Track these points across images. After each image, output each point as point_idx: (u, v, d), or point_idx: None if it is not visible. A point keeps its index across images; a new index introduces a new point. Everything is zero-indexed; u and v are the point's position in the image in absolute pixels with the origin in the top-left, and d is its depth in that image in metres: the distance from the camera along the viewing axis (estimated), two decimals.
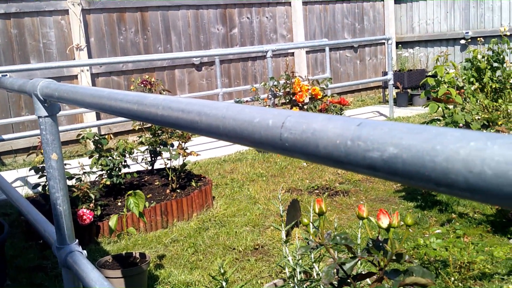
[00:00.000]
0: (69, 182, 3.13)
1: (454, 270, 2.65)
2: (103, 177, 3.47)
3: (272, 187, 4.14)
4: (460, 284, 2.63)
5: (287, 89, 5.56)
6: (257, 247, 2.95)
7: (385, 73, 8.05)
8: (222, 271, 1.39)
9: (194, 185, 3.62)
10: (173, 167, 3.64)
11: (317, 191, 4.18)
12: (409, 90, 8.19)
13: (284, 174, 4.56)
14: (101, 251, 2.99)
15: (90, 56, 6.08)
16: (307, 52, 8.25)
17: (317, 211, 1.15)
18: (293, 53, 8.09)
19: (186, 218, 3.43)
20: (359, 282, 1.36)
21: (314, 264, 1.67)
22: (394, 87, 7.88)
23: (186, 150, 3.51)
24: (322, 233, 1.16)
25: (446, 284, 2.62)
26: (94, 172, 3.39)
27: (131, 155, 3.51)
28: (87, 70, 6.06)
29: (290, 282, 1.67)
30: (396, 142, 0.51)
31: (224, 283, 1.41)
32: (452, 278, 2.64)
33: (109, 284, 1.32)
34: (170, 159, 3.53)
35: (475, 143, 0.44)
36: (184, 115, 0.85)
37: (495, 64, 5.36)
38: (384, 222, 1.12)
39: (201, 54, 6.08)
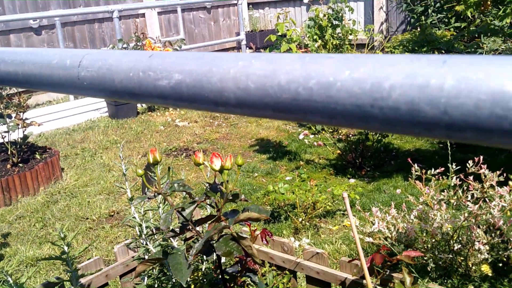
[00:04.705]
0: None
1: (301, 210, 2.90)
2: None
3: (127, 153, 4.04)
4: (307, 223, 2.89)
5: None
6: (112, 214, 2.88)
7: (238, 34, 8.23)
8: (62, 235, 1.34)
9: (39, 157, 3.36)
10: (13, 141, 3.32)
11: (175, 152, 4.18)
12: (262, 50, 8.50)
13: (140, 139, 4.46)
14: None
15: None
16: (159, 13, 8.01)
17: (151, 160, 1.16)
18: (144, 14, 7.79)
19: (32, 192, 3.19)
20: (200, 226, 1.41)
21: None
22: (247, 47, 8.10)
23: (26, 121, 3.22)
24: (158, 182, 1.17)
25: (295, 225, 2.86)
26: None
27: None
28: None
29: (140, 239, 1.67)
30: (181, 69, 0.53)
31: (66, 248, 1.35)
32: (300, 219, 2.88)
33: None
34: (8, 132, 3.21)
35: (242, 62, 0.48)
36: None
37: (335, 22, 5.76)
38: (217, 164, 1.17)
39: (39, 15, 5.54)
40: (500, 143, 0.33)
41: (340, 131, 4.46)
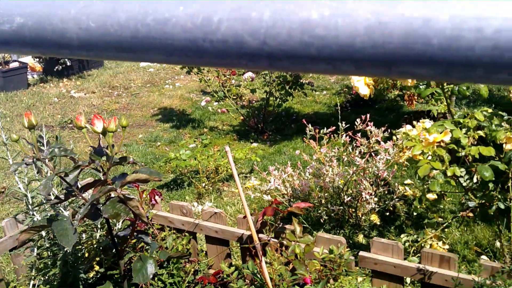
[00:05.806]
0: None
1: (204, 176, 2.93)
2: None
3: (18, 127, 3.77)
4: (210, 188, 2.93)
5: None
6: (2, 190, 2.70)
7: None
8: None
9: None
10: None
11: (71, 125, 3.98)
12: None
13: (32, 112, 4.18)
14: None
15: None
16: None
17: (26, 125, 1.09)
18: None
19: None
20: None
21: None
22: None
23: None
24: (36, 147, 1.12)
25: (198, 190, 2.89)
26: None
27: None
28: None
29: (29, 211, 1.60)
30: (22, 11, 0.51)
31: None
32: (203, 184, 2.91)
33: None
34: None
35: (84, 2, 0.47)
36: None
37: None
38: (99, 126, 1.14)
39: None
40: (311, 69, 0.36)
41: (243, 98, 4.52)
